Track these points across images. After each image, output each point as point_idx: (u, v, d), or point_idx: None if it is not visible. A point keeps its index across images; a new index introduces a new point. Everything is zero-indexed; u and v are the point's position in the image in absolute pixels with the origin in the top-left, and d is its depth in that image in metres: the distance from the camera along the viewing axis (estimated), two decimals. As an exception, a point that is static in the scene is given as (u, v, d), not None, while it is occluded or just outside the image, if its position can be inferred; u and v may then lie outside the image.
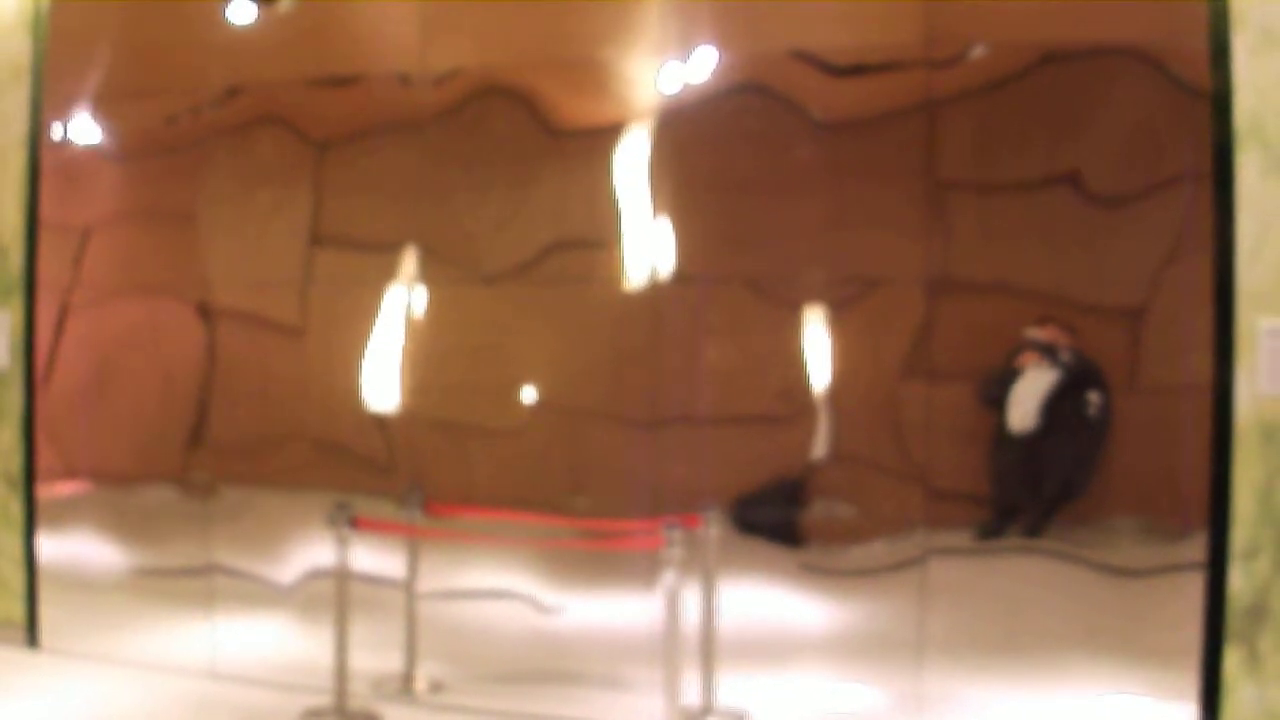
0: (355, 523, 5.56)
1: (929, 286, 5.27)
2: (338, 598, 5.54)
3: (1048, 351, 5.21)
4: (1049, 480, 5.24)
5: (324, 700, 5.62)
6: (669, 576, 5.15)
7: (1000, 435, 5.27)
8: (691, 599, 5.35)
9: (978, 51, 5.23)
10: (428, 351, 5.96)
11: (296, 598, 6.15)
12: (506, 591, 5.86)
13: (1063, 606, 5.14)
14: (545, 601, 5.81)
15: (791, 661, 5.50)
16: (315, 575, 6.07)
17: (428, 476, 5.93)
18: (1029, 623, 5.19)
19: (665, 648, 5.17)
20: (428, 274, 5.94)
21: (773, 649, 5.52)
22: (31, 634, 6.61)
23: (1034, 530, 5.19)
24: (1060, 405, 5.21)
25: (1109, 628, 5.09)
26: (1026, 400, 5.24)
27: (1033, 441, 5.25)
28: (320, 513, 5.80)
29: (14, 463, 6.60)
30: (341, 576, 5.54)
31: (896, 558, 5.32)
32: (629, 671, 5.65)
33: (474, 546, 5.87)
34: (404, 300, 5.97)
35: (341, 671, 5.54)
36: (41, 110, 6.50)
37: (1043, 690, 5.15)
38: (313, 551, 6.07)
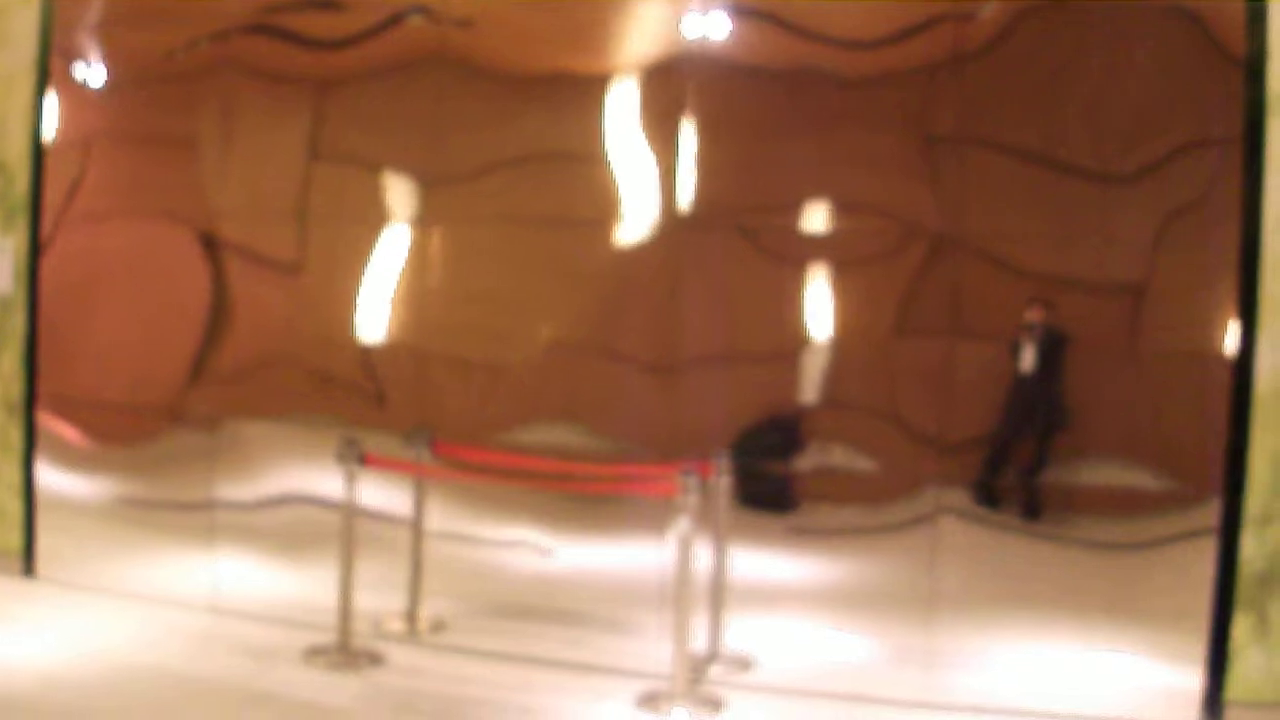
0: (364, 460, 5.50)
1: (949, 243, 5.24)
2: (344, 535, 5.50)
3: (1032, 329, 5.23)
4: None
5: (326, 638, 5.59)
6: (682, 523, 5.13)
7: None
8: (700, 545, 5.35)
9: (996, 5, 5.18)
10: (439, 290, 5.90)
11: (294, 532, 6.11)
12: (511, 533, 5.85)
13: (1073, 570, 5.16)
14: (550, 544, 5.79)
15: (796, 609, 5.51)
16: (312, 508, 6.06)
17: (435, 415, 5.87)
18: (1041, 584, 5.20)
19: (677, 593, 5.16)
20: (438, 211, 5.88)
21: (778, 597, 5.53)
22: (28, 563, 6.55)
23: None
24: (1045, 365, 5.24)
25: (1118, 592, 5.12)
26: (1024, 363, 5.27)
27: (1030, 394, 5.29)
28: (321, 448, 5.80)
29: (15, 389, 6.51)
30: (349, 514, 5.50)
31: (909, 514, 5.32)
32: (634, 616, 5.65)
33: (481, 487, 5.84)
34: (416, 237, 5.89)
35: (345, 610, 5.51)
36: (50, 34, 6.37)
37: (1050, 649, 5.17)
38: (312, 485, 6.05)
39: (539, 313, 5.79)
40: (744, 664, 5.51)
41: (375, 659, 5.54)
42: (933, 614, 5.26)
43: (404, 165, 5.92)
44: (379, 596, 5.83)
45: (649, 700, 5.18)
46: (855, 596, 5.42)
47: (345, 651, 5.50)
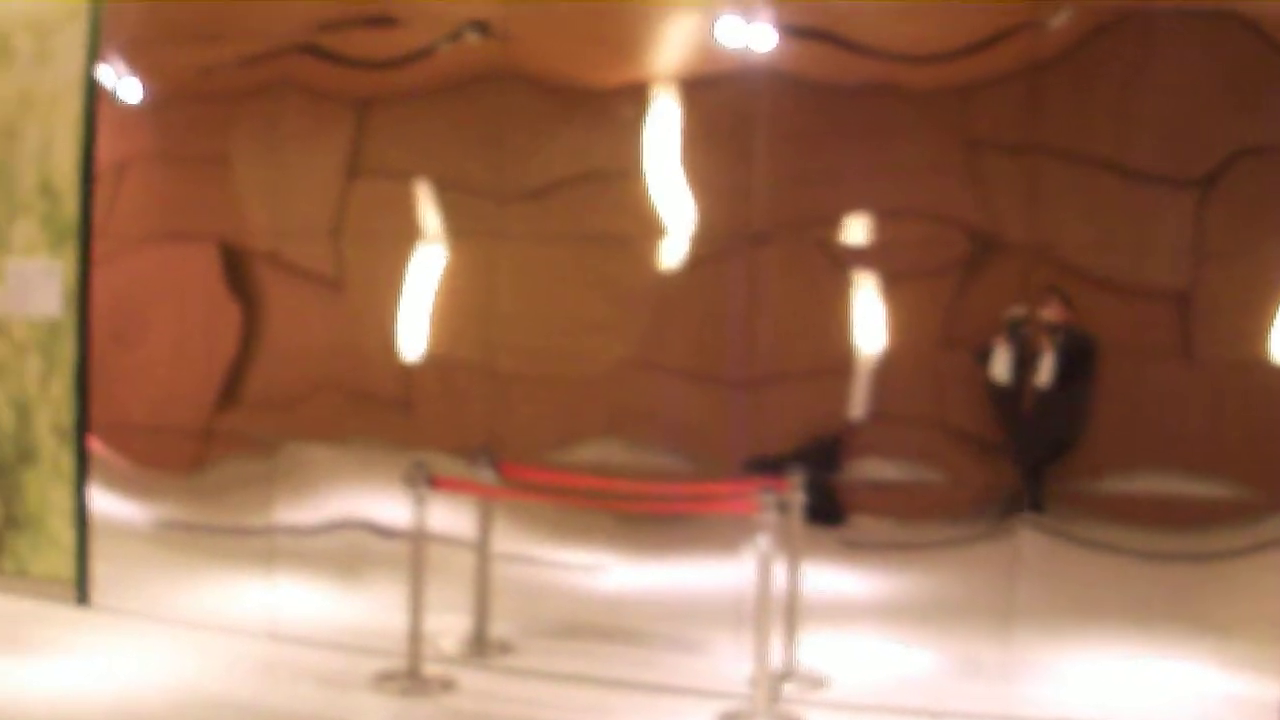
0: (432, 482, 5.40)
1: (1022, 253, 5.16)
2: (413, 559, 5.40)
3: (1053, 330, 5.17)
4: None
5: (392, 664, 5.49)
6: (762, 541, 5.04)
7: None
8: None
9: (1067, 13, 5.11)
10: (500, 308, 5.81)
11: (352, 557, 6.02)
12: (576, 553, 5.75)
13: (1148, 582, 5.07)
14: (616, 563, 5.69)
15: (869, 624, 5.41)
16: (368, 532, 5.98)
17: (495, 435, 5.78)
18: (1116, 596, 5.12)
19: (757, 611, 5.06)
20: (501, 228, 5.79)
21: (851, 613, 5.44)
22: (82, 591, 6.44)
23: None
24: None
25: (1194, 603, 5.03)
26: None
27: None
28: (378, 471, 5.73)
29: (65, 415, 6.42)
30: (418, 538, 5.40)
31: (985, 526, 5.23)
32: (704, 634, 5.56)
33: (542, 507, 5.75)
34: (477, 256, 5.81)
35: (416, 635, 5.41)
36: (98, 51, 6.28)
37: (1125, 661, 5.08)
38: (370, 508, 5.96)
39: (602, 330, 5.70)
40: (818, 682, 5.41)
41: (446, 684, 5.44)
42: (1008, 627, 5.17)
43: (465, 182, 5.84)
44: (441, 620, 5.72)
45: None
46: (928, 610, 5.32)
47: (416, 677, 5.40)
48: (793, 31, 5.39)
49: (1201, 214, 4.99)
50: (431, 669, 5.48)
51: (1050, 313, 5.17)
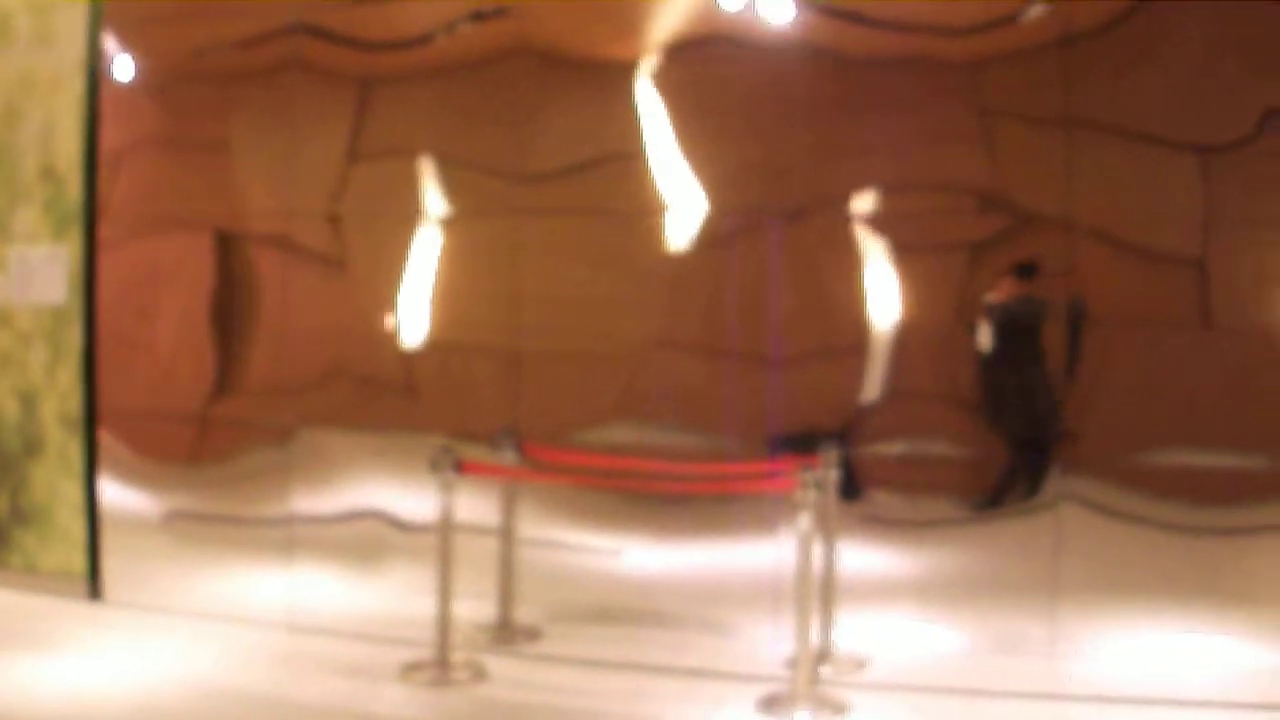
0: (460, 466, 5.26)
1: (1074, 228, 5.04)
2: (441, 546, 5.26)
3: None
4: None
5: (417, 653, 5.35)
6: (803, 520, 4.91)
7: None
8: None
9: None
10: (520, 287, 5.68)
11: (369, 545, 5.88)
12: (602, 536, 5.63)
13: (1193, 557, 4.98)
14: (640, 546, 5.58)
15: (906, 603, 5.30)
16: (385, 520, 5.86)
17: (516, 416, 5.65)
18: (1162, 571, 5.02)
19: (797, 592, 4.93)
20: (524, 206, 5.66)
21: (887, 591, 5.33)
22: (94, 585, 6.29)
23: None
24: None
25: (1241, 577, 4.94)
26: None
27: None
28: (399, 458, 5.61)
29: (73, 404, 6.25)
30: (446, 524, 5.26)
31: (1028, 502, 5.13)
32: (733, 616, 5.46)
33: (565, 489, 5.61)
34: (497, 234, 5.67)
35: (444, 623, 5.26)
36: (100, 31, 6.10)
37: (1172, 636, 4.99)
38: (389, 495, 5.82)
39: (624, 308, 5.58)
40: (858, 663, 5.30)
41: (476, 672, 5.30)
42: (1054, 603, 5.06)
43: (481, 161, 5.70)
44: (464, 606, 5.54)
45: (770, 703, 4.96)
46: (969, 587, 5.21)
47: (444, 666, 5.26)
48: (820, 4, 5.26)
49: (1228, 183, 4.88)
50: (459, 657, 5.34)
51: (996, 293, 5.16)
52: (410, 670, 5.30)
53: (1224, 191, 4.88)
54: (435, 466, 5.26)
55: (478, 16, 5.66)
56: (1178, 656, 4.97)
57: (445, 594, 5.26)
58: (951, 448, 5.22)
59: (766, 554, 5.34)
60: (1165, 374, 4.99)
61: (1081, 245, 5.02)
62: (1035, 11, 5.04)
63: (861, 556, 5.34)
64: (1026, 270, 5.13)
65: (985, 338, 5.21)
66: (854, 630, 5.32)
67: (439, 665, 5.26)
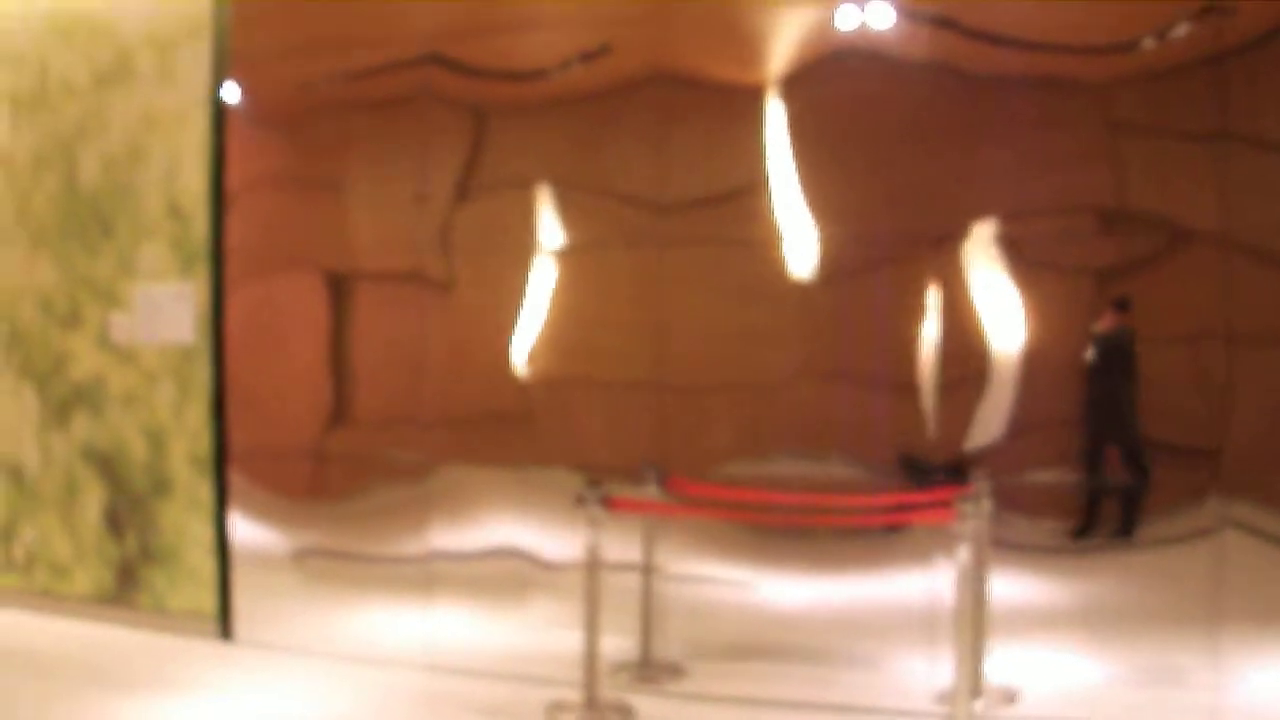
0: (609, 502, 5.16)
1: (1224, 244, 4.90)
2: (589, 583, 5.15)
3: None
4: None
5: (560, 692, 5.27)
6: (963, 552, 4.78)
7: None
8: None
9: None
10: (660, 321, 5.58)
11: (506, 582, 5.79)
12: (743, 570, 5.50)
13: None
14: (787, 579, 5.45)
15: (1061, 637, 5.15)
16: (519, 556, 5.78)
17: (663, 450, 5.55)
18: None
19: (957, 625, 4.80)
20: (659, 236, 5.57)
21: (1042, 624, 5.18)
22: (225, 625, 6.24)
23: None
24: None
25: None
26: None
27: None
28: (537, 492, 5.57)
29: (202, 443, 6.21)
30: (593, 561, 5.16)
31: (1187, 529, 4.97)
32: (883, 651, 5.32)
33: (707, 523, 5.51)
34: (634, 265, 5.59)
35: (592, 662, 5.15)
36: (224, 67, 6.08)
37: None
38: (524, 532, 5.74)
39: (766, 339, 5.46)
40: (1009, 696, 5.16)
41: (623, 711, 5.20)
42: (1215, 634, 4.91)
43: (623, 191, 5.61)
44: (605, 644, 5.42)
45: (932, 743, 4.85)
46: (1124, 617, 5.06)
47: (593, 707, 5.16)
48: (955, 26, 5.14)
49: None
50: (605, 696, 5.25)
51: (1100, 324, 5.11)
52: (556, 710, 5.21)
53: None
54: (582, 502, 5.17)
55: (586, 57, 5.59)
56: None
57: (593, 631, 5.14)
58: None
59: (913, 586, 5.23)
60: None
61: (1239, 264, 4.88)
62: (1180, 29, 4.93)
63: (1007, 586, 5.20)
64: (1123, 304, 5.06)
65: (1092, 365, 5.12)
66: (1003, 662, 5.18)
67: (587, 705, 5.15)
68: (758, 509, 5.35)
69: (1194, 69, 4.89)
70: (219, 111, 6.11)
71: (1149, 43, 4.96)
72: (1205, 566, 4.93)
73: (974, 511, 4.78)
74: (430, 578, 5.88)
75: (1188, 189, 4.93)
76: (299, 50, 5.99)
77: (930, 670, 5.19)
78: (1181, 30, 4.90)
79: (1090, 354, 5.14)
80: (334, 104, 5.98)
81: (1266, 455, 4.89)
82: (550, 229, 5.71)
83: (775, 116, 5.39)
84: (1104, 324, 5.15)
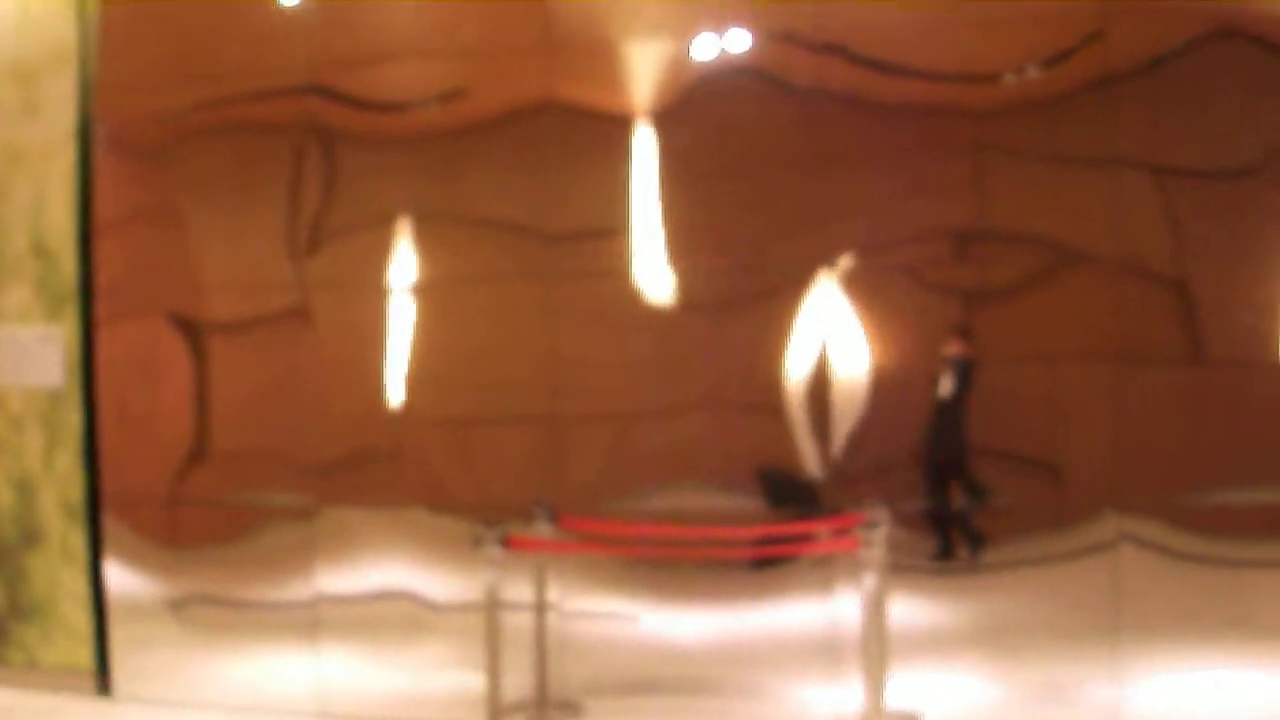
0: (508, 542, 5.07)
1: (1113, 266, 5.02)
2: (489, 624, 5.07)
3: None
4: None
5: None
6: (869, 579, 4.81)
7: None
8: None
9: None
10: (544, 354, 5.52)
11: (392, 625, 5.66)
12: (633, 604, 5.45)
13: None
14: (675, 612, 5.42)
15: (959, 658, 5.20)
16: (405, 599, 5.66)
17: (550, 487, 5.48)
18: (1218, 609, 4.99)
19: (865, 652, 4.84)
20: (502, 274, 5.53)
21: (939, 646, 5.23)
22: (103, 680, 5.98)
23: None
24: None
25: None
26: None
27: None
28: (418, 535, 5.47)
29: (73, 490, 5.96)
30: (492, 602, 5.07)
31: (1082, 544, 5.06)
32: (769, 679, 5.33)
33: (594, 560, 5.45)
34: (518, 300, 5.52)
35: (494, 704, 5.07)
36: (91, 99, 5.84)
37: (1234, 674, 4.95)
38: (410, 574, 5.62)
39: (639, 372, 5.45)
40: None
41: (529, 753, 5.12)
42: (1114, 647, 5.01)
43: (511, 220, 5.54)
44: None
45: (843, 769, 4.86)
46: (1023, 634, 5.14)
47: (500, 749, 5.07)
48: (839, 52, 5.19)
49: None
50: (510, 739, 5.15)
51: (949, 346, 5.20)
52: (462, 756, 5.10)
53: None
54: (479, 542, 5.07)
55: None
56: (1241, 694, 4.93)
57: (494, 673, 5.06)
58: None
59: (806, 615, 5.25)
60: (1220, 411, 4.98)
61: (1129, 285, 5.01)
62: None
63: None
64: (964, 331, 5.18)
65: (944, 389, 5.23)
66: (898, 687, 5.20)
67: (494, 748, 5.06)
68: (656, 543, 5.30)
69: (1082, 94, 5.00)
70: (86, 144, 5.87)
71: (1033, 71, 5.06)
72: (1104, 581, 5.02)
73: (877, 539, 4.82)
74: (316, 622, 5.71)
75: (1076, 212, 5.04)
76: (168, 80, 5.79)
77: (827, 698, 5.21)
78: (1066, 58, 5.00)
79: (942, 381, 5.22)
80: (205, 134, 5.79)
81: (1157, 471, 5.02)
82: (430, 262, 5.61)
83: (656, 147, 5.36)
84: (953, 350, 5.22)
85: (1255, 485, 4.91)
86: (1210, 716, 4.93)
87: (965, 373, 5.19)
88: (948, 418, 5.24)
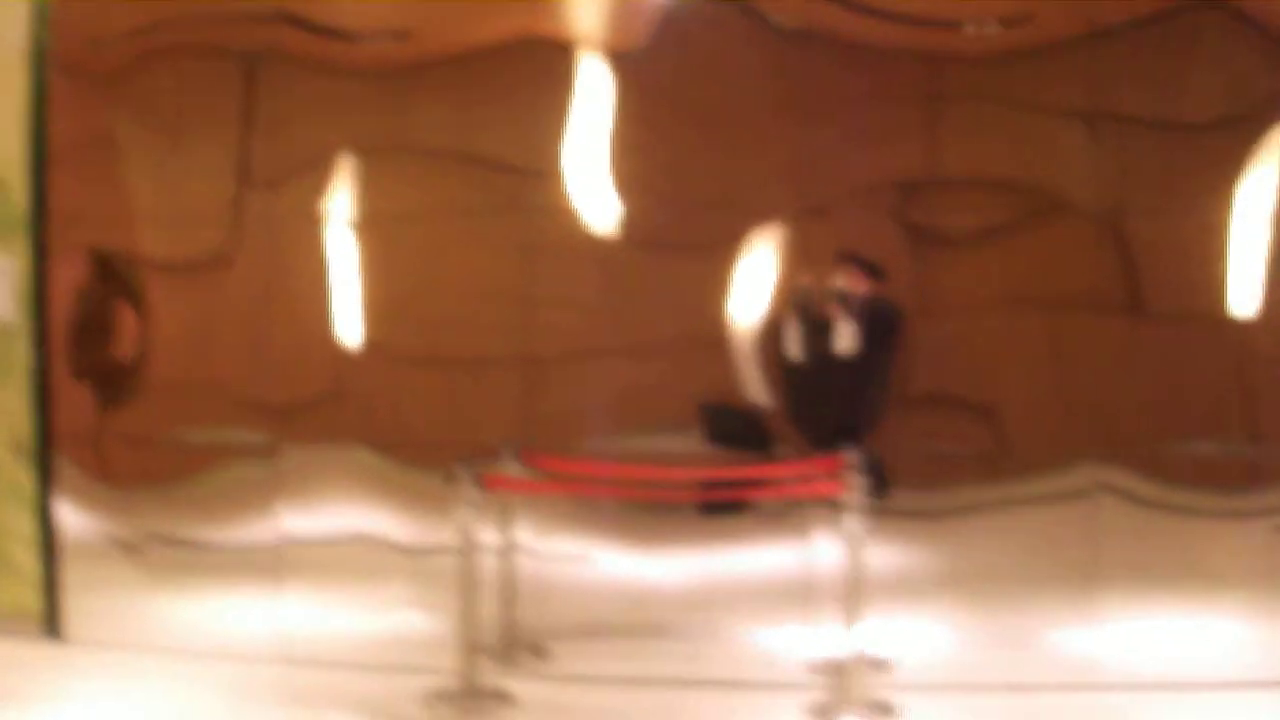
0: (484, 481, 4.97)
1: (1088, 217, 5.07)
2: (464, 568, 4.97)
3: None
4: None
5: (430, 680, 5.03)
6: (851, 523, 4.80)
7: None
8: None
9: None
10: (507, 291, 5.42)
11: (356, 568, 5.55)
12: (605, 547, 5.40)
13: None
14: (642, 554, 5.40)
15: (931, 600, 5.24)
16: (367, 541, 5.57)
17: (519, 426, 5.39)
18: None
19: (847, 596, 4.82)
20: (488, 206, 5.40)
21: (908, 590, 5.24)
22: (52, 624, 5.77)
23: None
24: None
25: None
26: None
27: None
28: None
29: (21, 427, 5.73)
30: (468, 543, 4.97)
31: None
32: (739, 624, 5.33)
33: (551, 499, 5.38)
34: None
35: (470, 649, 4.97)
36: (46, 18, 5.59)
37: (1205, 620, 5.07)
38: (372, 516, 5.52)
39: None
40: (882, 665, 5.19)
41: (503, 698, 5.02)
42: (1089, 593, 5.06)
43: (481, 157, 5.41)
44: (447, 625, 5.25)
45: (821, 711, 4.83)
46: (1000, 579, 5.18)
47: (473, 695, 4.97)
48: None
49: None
50: (485, 683, 5.04)
51: (844, 282, 5.16)
52: (435, 700, 4.99)
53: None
54: (452, 481, 4.96)
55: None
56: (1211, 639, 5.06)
57: (469, 617, 4.97)
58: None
59: (776, 558, 5.25)
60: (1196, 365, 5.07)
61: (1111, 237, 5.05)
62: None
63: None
64: (875, 271, 5.19)
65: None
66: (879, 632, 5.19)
67: (466, 694, 4.96)
68: (635, 485, 5.24)
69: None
70: (40, 70, 5.62)
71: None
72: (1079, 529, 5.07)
73: (858, 483, 4.80)
74: (279, 563, 5.57)
75: (1058, 163, 5.06)
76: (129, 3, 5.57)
77: (795, 642, 5.23)
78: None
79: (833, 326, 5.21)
80: (168, 56, 5.57)
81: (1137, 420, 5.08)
82: (399, 196, 5.49)
83: (623, 85, 5.29)
84: (847, 285, 5.19)
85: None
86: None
87: (873, 318, 5.18)
88: (838, 373, 5.23)
